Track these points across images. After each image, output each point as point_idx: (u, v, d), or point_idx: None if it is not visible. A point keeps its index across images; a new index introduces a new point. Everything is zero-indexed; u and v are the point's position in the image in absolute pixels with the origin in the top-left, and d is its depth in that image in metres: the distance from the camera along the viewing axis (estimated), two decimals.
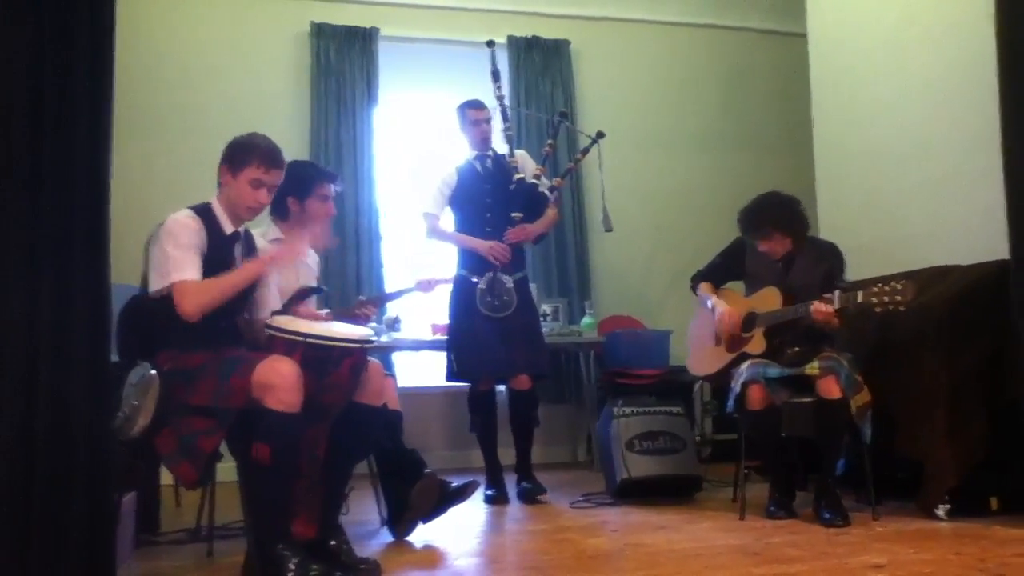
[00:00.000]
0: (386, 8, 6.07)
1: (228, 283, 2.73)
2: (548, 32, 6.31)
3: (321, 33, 5.89)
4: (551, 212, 4.43)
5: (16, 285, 2.29)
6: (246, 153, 2.83)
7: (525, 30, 6.27)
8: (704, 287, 4.01)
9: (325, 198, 3.47)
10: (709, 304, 3.92)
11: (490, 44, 4.46)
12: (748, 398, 3.56)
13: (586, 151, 4.43)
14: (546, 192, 4.32)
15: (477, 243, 4.24)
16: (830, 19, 5.07)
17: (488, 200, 4.32)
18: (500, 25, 6.22)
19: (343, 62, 5.89)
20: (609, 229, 4.44)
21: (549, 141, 4.52)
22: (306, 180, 3.44)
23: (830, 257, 3.73)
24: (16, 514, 2.23)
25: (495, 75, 4.42)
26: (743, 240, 3.94)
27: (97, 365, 2.36)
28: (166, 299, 2.66)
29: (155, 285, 2.68)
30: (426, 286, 4.01)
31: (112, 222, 2.46)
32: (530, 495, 4.13)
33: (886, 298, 3.23)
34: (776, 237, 3.71)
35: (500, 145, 4.46)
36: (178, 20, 5.77)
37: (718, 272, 4.03)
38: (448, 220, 4.42)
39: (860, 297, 3.30)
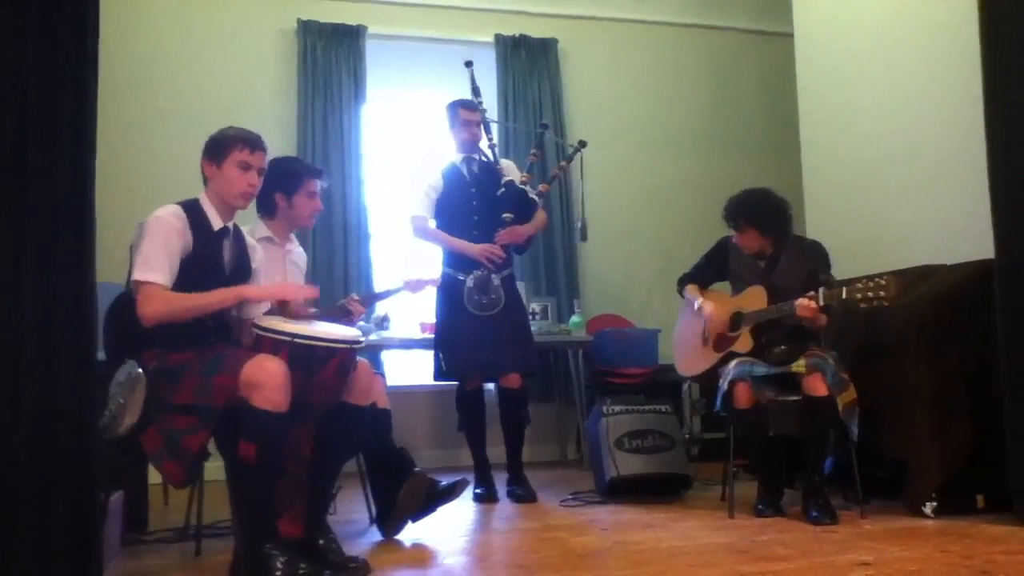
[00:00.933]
0: (373, 6, 6.05)
1: (199, 302, 2.68)
2: (535, 31, 6.31)
3: (308, 30, 5.86)
4: (541, 215, 4.43)
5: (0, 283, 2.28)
6: (226, 141, 2.83)
7: (512, 29, 6.26)
8: (690, 288, 4.03)
9: (312, 194, 3.47)
10: (696, 305, 3.94)
11: (468, 64, 4.47)
12: (735, 397, 3.57)
13: (570, 159, 4.45)
14: (534, 197, 4.31)
15: (468, 246, 4.22)
16: (816, 19, 5.10)
17: (474, 204, 4.30)
18: (487, 24, 6.23)
19: (330, 60, 5.87)
20: (584, 239, 4.49)
21: (534, 150, 4.51)
22: (293, 176, 3.43)
23: (813, 255, 3.75)
24: (1, 517, 2.22)
25: (475, 92, 4.41)
26: (726, 241, 3.97)
27: (82, 364, 2.35)
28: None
29: (129, 278, 2.68)
30: (414, 286, 4.00)
31: (97, 220, 2.45)
32: (520, 500, 4.12)
33: (870, 294, 3.24)
34: (749, 233, 3.73)
35: (487, 153, 4.43)
36: (164, 17, 5.73)
37: (703, 273, 4.05)
38: (432, 224, 4.39)
39: (844, 293, 3.32)
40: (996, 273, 3.28)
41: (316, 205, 3.50)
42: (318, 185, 3.50)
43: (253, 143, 2.85)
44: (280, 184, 3.37)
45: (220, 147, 2.83)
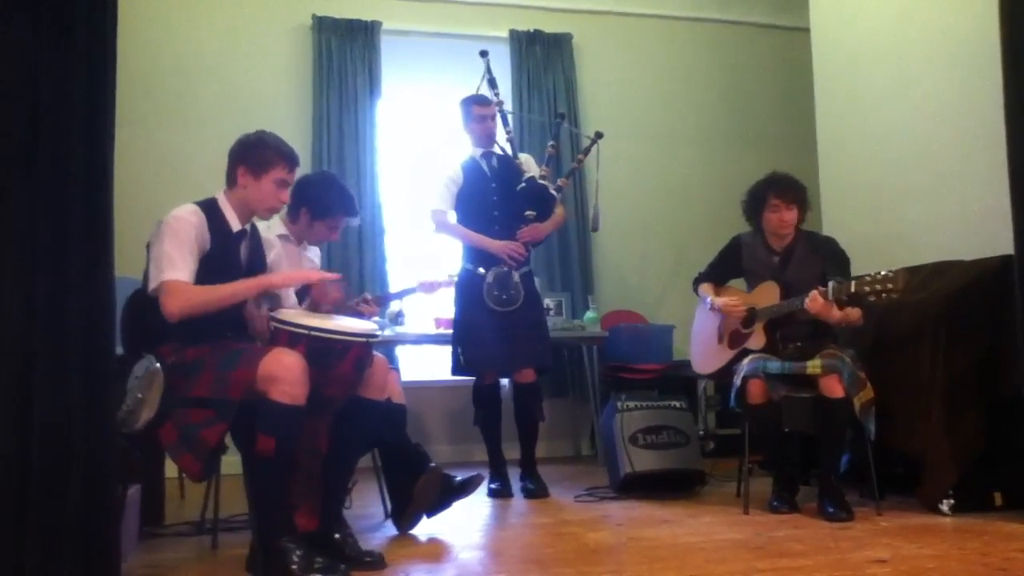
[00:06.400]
0: (388, 1, 6.06)
1: (222, 294, 2.68)
2: (550, 26, 6.31)
3: (323, 26, 5.88)
4: (560, 211, 4.42)
5: (14, 277, 2.29)
6: (269, 155, 2.82)
7: (527, 24, 6.26)
8: (704, 287, 4.02)
9: (334, 228, 3.54)
10: (708, 302, 3.93)
11: (483, 54, 4.45)
12: (748, 392, 3.57)
13: (587, 151, 4.43)
14: (554, 192, 4.30)
15: (491, 243, 4.21)
16: (833, 14, 5.07)
17: (494, 199, 4.30)
18: (502, 19, 6.22)
19: (345, 56, 5.88)
20: (595, 229, 4.53)
21: (551, 143, 4.50)
22: (329, 207, 3.49)
23: (827, 252, 3.74)
24: (12, 509, 2.23)
25: (492, 83, 4.41)
26: (739, 238, 3.97)
27: (96, 358, 2.35)
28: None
29: (152, 282, 2.67)
30: (429, 287, 4.00)
31: (115, 216, 2.46)
32: (532, 496, 4.12)
33: (878, 287, 3.24)
34: (794, 210, 3.75)
35: (505, 147, 4.43)
36: (180, 12, 5.76)
37: (717, 272, 4.04)
38: (454, 217, 4.38)
39: (853, 287, 3.31)
40: (1016, 268, 3.25)
41: (332, 236, 3.59)
42: (346, 222, 3.56)
43: (294, 163, 2.87)
44: (312, 205, 3.45)
45: (263, 160, 2.81)
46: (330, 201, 3.47)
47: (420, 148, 6.03)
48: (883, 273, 3.24)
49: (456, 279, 4.24)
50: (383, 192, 5.83)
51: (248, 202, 2.83)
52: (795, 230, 3.79)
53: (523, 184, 4.21)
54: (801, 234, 3.81)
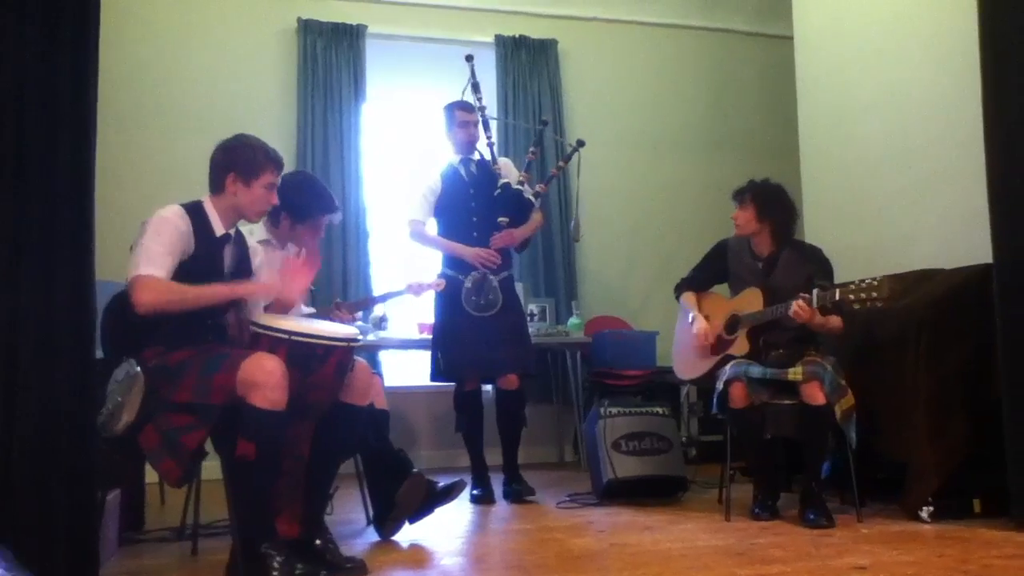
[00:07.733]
0: (374, 5, 6.06)
1: (194, 294, 2.66)
2: (535, 32, 6.32)
3: (308, 30, 5.87)
4: (536, 217, 4.43)
5: (3, 280, 2.28)
6: (259, 160, 2.81)
7: (512, 29, 6.26)
8: (686, 297, 4.02)
9: (317, 228, 3.51)
10: (690, 317, 3.94)
11: (469, 59, 4.45)
12: (731, 396, 3.57)
13: (568, 158, 4.46)
14: (531, 198, 4.31)
15: (463, 249, 4.22)
16: (816, 22, 5.10)
17: (473, 205, 4.30)
18: (487, 24, 6.23)
19: (330, 59, 5.87)
20: (576, 239, 4.52)
21: (532, 148, 4.51)
22: (309, 208, 3.45)
23: (812, 260, 3.75)
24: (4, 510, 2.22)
25: (475, 87, 4.41)
26: (725, 243, 3.98)
27: (80, 361, 2.35)
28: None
29: (128, 275, 2.64)
30: (417, 290, 4.00)
31: (96, 219, 2.45)
32: (518, 496, 4.13)
33: (863, 295, 3.25)
34: (748, 210, 3.74)
35: (484, 152, 4.44)
36: (165, 16, 5.73)
37: (702, 276, 4.04)
38: (433, 225, 4.39)
39: (837, 295, 3.32)
40: (994, 277, 3.29)
41: (318, 235, 3.56)
42: (328, 220, 3.54)
43: (281, 165, 2.87)
44: (292, 209, 3.41)
45: (253, 167, 2.80)
46: (307, 203, 3.45)
47: (405, 152, 6.02)
48: (868, 281, 3.26)
49: (444, 282, 4.23)
50: (367, 195, 5.82)
51: (238, 208, 2.81)
52: (772, 236, 3.77)
53: (499, 190, 4.22)
54: (788, 242, 3.82)
